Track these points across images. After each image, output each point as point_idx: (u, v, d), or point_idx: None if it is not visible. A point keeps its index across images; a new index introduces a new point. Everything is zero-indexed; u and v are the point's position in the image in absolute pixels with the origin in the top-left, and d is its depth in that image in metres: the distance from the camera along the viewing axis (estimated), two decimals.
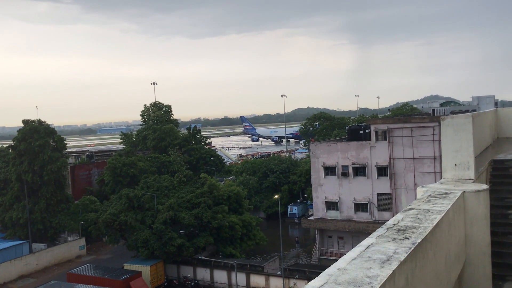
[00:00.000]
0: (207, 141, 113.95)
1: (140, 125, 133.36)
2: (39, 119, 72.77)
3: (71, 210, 70.57)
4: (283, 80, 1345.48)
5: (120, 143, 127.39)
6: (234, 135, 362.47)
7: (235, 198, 68.80)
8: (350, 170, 55.96)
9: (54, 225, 69.16)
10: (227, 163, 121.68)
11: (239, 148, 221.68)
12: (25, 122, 71.73)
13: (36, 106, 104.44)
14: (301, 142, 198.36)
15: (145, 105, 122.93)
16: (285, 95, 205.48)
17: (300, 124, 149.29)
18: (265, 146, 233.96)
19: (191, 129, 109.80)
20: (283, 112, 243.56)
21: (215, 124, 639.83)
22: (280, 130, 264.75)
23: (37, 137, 69.69)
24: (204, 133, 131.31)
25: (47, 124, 73.48)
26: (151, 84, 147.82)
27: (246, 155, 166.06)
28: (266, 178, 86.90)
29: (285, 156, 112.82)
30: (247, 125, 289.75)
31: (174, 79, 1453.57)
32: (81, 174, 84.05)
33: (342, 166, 56.41)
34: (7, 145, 75.70)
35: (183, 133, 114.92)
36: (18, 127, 76.15)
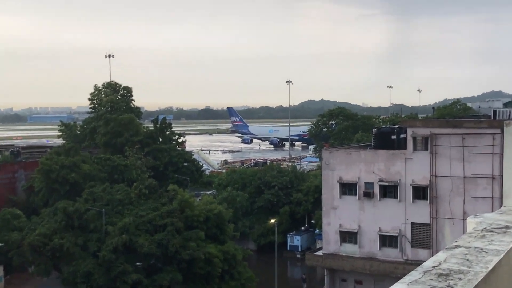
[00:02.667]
0: (180, 140, 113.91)
1: (88, 113, 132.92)
2: None
3: None
4: (289, 61, 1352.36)
5: (59, 136, 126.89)
6: (218, 133, 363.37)
7: (215, 220, 68.63)
8: (376, 189, 55.97)
9: None
10: (207, 172, 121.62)
11: (224, 152, 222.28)
12: None
13: None
14: (310, 147, 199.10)
15: (95, 85, 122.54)
16: (291, 82, 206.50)
17: (310, 123, 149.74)
18: (261, 151, 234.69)
19: (159, 122, 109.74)
20: (287, 105, 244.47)
21: (192, 116, 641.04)
22: (282, 130, 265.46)
23: None
24: (176, 128, 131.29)
25: None
26: (106, 57, 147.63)
27: (233, 162, 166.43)
28: (259, 195, 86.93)
29: (287, 165, 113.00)
30: (236, 120, 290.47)
31: (138, 52, 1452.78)
32: (1, 178, 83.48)
33: (365, 183, 56.41)
34: None
35: (147, 127, 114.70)
36: None
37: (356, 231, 57.36)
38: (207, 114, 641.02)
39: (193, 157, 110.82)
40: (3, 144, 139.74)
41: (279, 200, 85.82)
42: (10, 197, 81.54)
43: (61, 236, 63.11)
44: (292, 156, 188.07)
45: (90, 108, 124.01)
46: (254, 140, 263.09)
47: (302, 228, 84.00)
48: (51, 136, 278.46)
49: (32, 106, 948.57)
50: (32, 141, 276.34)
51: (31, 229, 66.01)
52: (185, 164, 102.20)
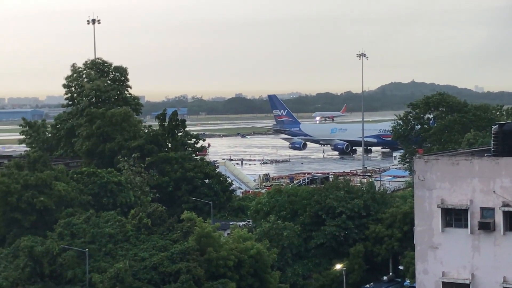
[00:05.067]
0: (198, 145, 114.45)
1: (63, 106, 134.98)
2: None
3: None
4: (361, 23, 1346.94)
5: (21, 141, 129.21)
6: (254, 133, 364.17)
7: (252, 266, 68.39)
8: (499, 219, 55.03)
9: None
10: (238, 193, 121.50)
11: (263, 163, 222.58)
12: None
13: None
14: (395, 154, 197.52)
15: (73, 65, 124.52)
16: (364, 55, 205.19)
17: (395, 117, 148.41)
18: (319, 160, 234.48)
19: (167, 119, 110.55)
20: (359, 91, 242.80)
21: (216, 109, 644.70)
22: (351, 128, 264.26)
23: None
24: (193, 126, 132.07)
25: None
26: (88, 22, 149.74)
27: (278, 178, 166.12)
28: (318, 228, 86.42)
29: (361, 182, 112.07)
30: (281, 114, 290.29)
31: (135, 17, 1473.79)
32: None
33: (481, 208, 55.42)
34: None
35: (150, 125, 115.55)
36: None
37: (468, 282, 56.47)
38: (238, 105, 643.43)
39: (217, 170, 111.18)
40: None
41: (348, 235, 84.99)
42: None
43: None
44: (368, 168, 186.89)
45: (66, 99, 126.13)
46: (308, 144, 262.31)
47: (385, 277, 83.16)
48: (8, 141, 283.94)
49: None
50: None
51: None
52: (206, 181, 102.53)
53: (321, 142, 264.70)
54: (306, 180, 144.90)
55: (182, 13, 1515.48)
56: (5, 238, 77.03)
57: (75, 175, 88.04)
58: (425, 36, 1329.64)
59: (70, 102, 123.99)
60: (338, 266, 78.33)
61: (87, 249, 67.43)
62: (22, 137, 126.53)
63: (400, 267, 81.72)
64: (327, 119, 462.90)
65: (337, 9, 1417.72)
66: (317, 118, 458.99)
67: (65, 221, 73.37)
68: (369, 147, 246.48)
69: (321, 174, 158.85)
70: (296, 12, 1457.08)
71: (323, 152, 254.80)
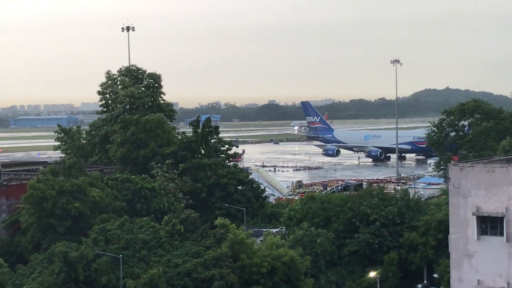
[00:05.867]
0: (231, 151, 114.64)
1: (98, 112, 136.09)
2: None
3: None
4: (395, 28, 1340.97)
5: (56, 148, 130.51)
6: (287, 140, 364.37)
7: (285, 273, 68.25)
8: None
9: None
10: (271, 199, 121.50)
11: (297, 169, 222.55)
12: None
13: None
14: (429, 161, 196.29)
15: (108, 72, 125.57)
16: (398, 61, 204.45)
17: (429, 124, 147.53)
18: (353, 167, 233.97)
19: (200, 125, 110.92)
20: (393, 97, 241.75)
21: (249, 116, 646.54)
22: (385, 135, 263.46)
23: None
24: (226, 133, 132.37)
25: None
26: (123, 29, 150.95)
27: (311, 185, 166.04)
28: (351, 236, 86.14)
29: (395, 189, 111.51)
30: (314, 121, 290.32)
31: (169, 24, 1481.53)
32: None
33: None
34: None
35: (183, 132, 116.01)
36: None
37: None
38: (271, 112, 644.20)
39: (250, 177, 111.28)
40: None
41: (382, 242, 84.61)
42: None
43: None
44: (402, 175, 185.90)
45: (100, 105, 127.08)
46: (342, 151, 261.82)
47: (419, 285, 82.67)
48: (44, 147, 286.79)
49: (17, 104, 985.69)
50: (17, 154, 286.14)
51: (16, 285, 67.63)
52: (239, 187, 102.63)
53: (354, 149, 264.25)
54: (340, 187, 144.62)
55: (216, 20, 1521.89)
56: (40, 243, 77.69)
57: (109, 181, 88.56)
58: (460, 42, 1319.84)
59: (105, 109, 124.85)
60: (372, 274, 78.11)
61: (121, 255, 67.83)
62: (58, 143, 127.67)
63: (435, 275, 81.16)
64: (306, 128, 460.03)
65: (371, 15, 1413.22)
66: (296, 128, 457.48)
67: (100, 227, 73.88)
68: (403, 154, 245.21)
69: (354, 181, 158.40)
70: (330, 18, 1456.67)
71: (359, 158, 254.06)
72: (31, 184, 79.85)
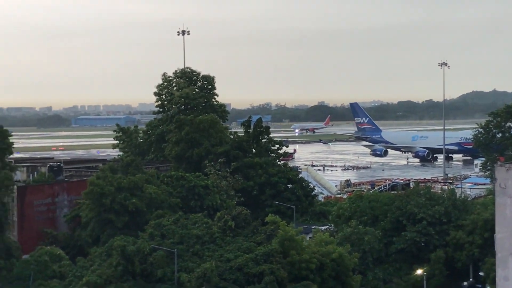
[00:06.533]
0: (281, 151, 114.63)
1: (154, 113, 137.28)
2: None
3: (15, 273, 73.87)
4: (443, 32, 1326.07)
5: (115, 146, 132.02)
6: (336, 140, 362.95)
7: (333, 269, 68.09)
8: None
9: None
10: (320, 198, 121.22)
11: (345, 169, 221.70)
12: None
13: None
14: (476, 161, 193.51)
15: (164, 74, 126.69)
16: (445, 64, 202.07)
17: (476, 125, 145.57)
18: (400, 167, 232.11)
19: (251, 126, 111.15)
20: (440, 99, 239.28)
21: (298, 117, 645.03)
22: (432, 136, 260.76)
23: None
24: (276, 133, 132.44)
25: None
26: (178, 33, 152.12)
27: (359, 184, 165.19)
28: (399, 234, 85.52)
29: (441, 189, 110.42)
30: (363, 122, 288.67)
31: (222, 28, 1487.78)
32: (37, 204, 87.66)
33: None
34: None
35: (235, 132, 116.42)
36: None
37: None
38: (320, 113, 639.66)
39: (300, 175, 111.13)
40: (38, 156, 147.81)
41: (429, 241, 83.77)
42: (47, 231, 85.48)
43: (117, 287, 65.22)
44: (449, 175, 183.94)
45: (156, 106, 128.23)
46: (389, 151, 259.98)
47: (465, 283, 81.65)
48: (103, 145, 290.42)
49: (78, 104, 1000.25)
50: (78, 152, 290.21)
51: (77, 277, 68.76)
52: (289, 186, 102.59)
53: (402, 149, 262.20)
54: (387, 187, 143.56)
55: (267, 23, 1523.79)
56: (99, 237, 78.83)
57: (165, 179, 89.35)
58: (508, 45, 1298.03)
59: (161, 109, 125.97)
60: (419, 271, 77.53)
61: (175, 250, 68.49)
62: (116, 142, 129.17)
63: (481, 274, 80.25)
64: (308, 131, 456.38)
65: (419, 18, 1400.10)
66: (297, 130, 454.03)
67: (155, 222, 74.65)
68: (450, 155, 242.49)
69: (402, 181, 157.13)
70: (378, 22, 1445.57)
71: (407, 159, 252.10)
72: (91, 180, 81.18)
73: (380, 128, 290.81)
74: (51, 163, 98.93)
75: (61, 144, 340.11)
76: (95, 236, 79.69)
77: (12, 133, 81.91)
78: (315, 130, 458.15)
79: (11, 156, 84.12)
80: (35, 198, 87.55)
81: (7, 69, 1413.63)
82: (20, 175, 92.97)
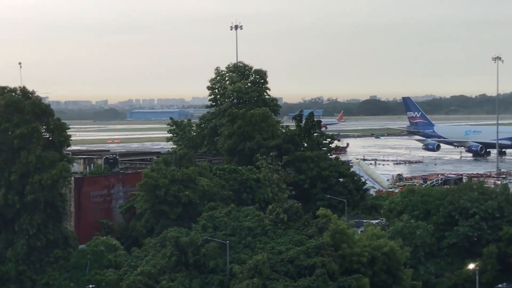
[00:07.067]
0: (333, 145, 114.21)
1: (207, 106, 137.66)
2: (23, 88, 78.28)
3: (72, 262, 75.02)
4: (495, 25, 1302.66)
5: (168, 139, 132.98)
6: (388, 134, 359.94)
7: (384, 263, 67.86)
8: None
9: (40, 287, 73.38)
10: (372, 192, 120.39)
11: (397, 163, 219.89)
12: None
13: (20, 63, 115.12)
14: None
15: (217, 68, 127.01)
16: (499, 58, 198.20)
17: None
18: (453, 162, 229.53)
19: (303, 119, 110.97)
20: (492, 94, 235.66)
21: (350, 111, 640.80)
22: (486, 130, 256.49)
23: (18, 120, 74.75)
24: (328, 127, 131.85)
25: (37, 96, 78.84)
26: (231, 28, 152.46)
27: (411, 178, 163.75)
28: (451, 228, 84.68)
29: (495, 184, 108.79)
30: (415, 116, 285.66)
31: (274, 22, 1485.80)
32: (93, 195, 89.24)
33: None
34: None
35: (287, 126, 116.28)
36: None
37: None
38: (372, 107, 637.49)
39: (351, 169, 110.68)
40: (95, 149, 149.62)
41: (481, 235, 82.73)
42: (103, 222, 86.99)
43: (170, 277, 65.93)
44: (502, 170, 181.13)
45: (209, 100, 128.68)
46: (442, 145, 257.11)
47: (499, 286, 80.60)
48: (157, 138, 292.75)
49: (133, 98, 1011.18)
50: (132, 145, 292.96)
51: (132, 266, 69.74)
52: (340, 179, 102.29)
53: (454, 144, 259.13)
54: (440, 181, 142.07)
55: (318, 18, 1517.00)
56: (153, 228, 79.73)
57: (217, 172, 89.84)
58: None
59: (214, 103, 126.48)
60: (471, 266, 76.74)
61: (228, 241, 68.92)
62: (170, 135, 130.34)
63: None
64: None
65: (474, 13, 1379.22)
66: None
67: (208, 214, 75.19)
68: (503, 150, 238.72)
69: (454, 175, 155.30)
70: (432, 16, 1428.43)
71: (460, 153, 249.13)
72: (145, 172, 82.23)
73: (433, 122, 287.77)
74: (107, 156, 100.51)
75: (116, 137, 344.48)
76: (149, 227, 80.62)
77: (70, 126, 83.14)
78: (327, 126, 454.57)
79: (69, 148, 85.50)
80: (92, 190, 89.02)
81: (65, 64, 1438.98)
82: (77, 167, 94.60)
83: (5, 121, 74.98)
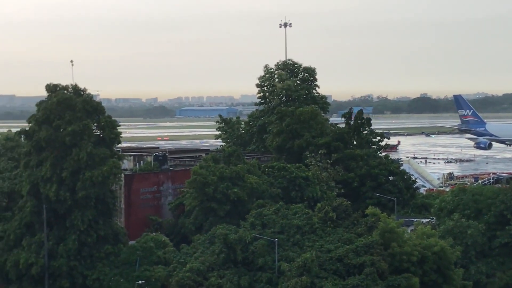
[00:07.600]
0: (382, 143, 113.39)
1: (256, 104, 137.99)
2: (75, 85, 79.23)
3: (122, 258, 75.92)
4: None
5: (217, 136, 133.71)
6: (439, 133, 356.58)
7: (435, 262, 67.18)
8: None
9: (91, 282, 74.89)
10: (422, 190, 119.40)
11: (448, 162, 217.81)
12: (51, 89, 78.55)
13: (71, 61, 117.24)
14: None
15: (266, 66, 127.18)
16: None
17: None
18: (505, 161, 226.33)
19: (353, 117, 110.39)
20: None
21: (400, 108, 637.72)
22: None
23: (70, 117, 75.66)
24: (378, 125, 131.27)
25: (88, 94, 79.71)
26: (280, 26, 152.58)
27: (462, 177, 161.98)
28: (503, 228, 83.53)
29: None
30: (467, 114, 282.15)
31: (324, 20, 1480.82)
32: (143, 192, 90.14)
33: None
34: (18, 129, 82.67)
35: (336, 124, 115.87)
36: (38, 97, 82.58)
37: None
38: (423, 105, 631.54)
39: (401, 168, 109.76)
40: (144, 146, 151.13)
41: None
42: (152, 218, 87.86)
43: (219, 274, 66.21)
44: None
45: (258, 97, 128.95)
46: (494, 144, 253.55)
47: None
48: (206, 136, 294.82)
49: (182, 96, 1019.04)
50: (181, 142, 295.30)
51: (181, 263, 70.23)
52: (390, 178, 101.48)
53: (507, 142, 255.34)
54: (491, 180, 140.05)
55: (369, 15, 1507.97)
56: (202, 225, 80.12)
57: (266, 169, 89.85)
58: None
59: (262, 101, 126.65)
60: None
61: (276, 239, 68.93)
62: (218, 132, 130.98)
63: None
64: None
65: None
66: None
67: (257, 211, 75.31)
68: None
69: (506, 174, 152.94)
70: (484, 14, 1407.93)
71: (497, 152, 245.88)
72: (194, 170, 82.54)
73: (485, 120, 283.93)
74: (157, 153, 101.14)
75: (165, 134, 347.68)
76: (198, 224, 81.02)
77: (120, 123, 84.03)
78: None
79: (119, 145, 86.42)
80: (141, 186, 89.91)
81: (115, 62, 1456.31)
82: (127, 164, 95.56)
83: (57, 118, 75.89)
